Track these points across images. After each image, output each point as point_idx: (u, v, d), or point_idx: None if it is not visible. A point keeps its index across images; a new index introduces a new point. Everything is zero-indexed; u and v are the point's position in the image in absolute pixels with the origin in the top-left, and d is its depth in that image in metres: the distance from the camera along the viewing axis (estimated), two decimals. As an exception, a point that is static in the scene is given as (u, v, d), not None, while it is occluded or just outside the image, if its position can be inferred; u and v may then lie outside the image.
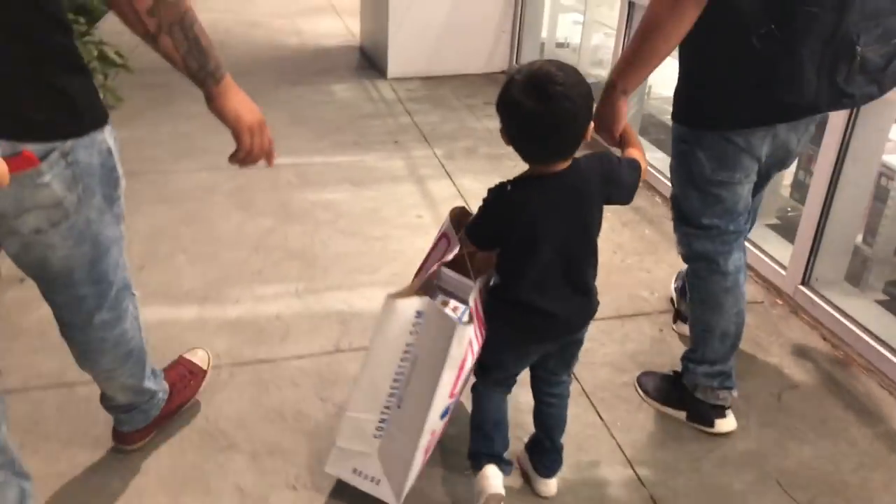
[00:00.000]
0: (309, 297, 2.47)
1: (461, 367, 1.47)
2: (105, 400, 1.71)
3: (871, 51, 1.49)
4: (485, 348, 1.54)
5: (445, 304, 1.53)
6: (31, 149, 1.11)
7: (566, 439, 1.73)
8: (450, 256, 1.54)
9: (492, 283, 1.55)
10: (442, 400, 1.49)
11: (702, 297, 1.84)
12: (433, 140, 3.86)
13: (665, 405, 1.97)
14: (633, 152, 1.56)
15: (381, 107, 4.40)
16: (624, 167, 1.50)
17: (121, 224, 1.41)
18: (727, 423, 1.90)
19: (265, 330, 2.29)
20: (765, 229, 2.92)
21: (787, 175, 3.00)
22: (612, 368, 2.16)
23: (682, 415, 1.94)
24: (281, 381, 2.08)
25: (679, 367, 1.97)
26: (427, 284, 1.57)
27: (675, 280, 2.47)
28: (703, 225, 1.75)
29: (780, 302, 2.51)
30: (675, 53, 1.63)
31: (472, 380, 1.69)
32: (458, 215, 1.65)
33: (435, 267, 1.56)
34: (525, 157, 1.41)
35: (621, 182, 1.49)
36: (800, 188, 2.94)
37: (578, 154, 1.43)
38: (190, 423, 1.91)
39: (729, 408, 1.90)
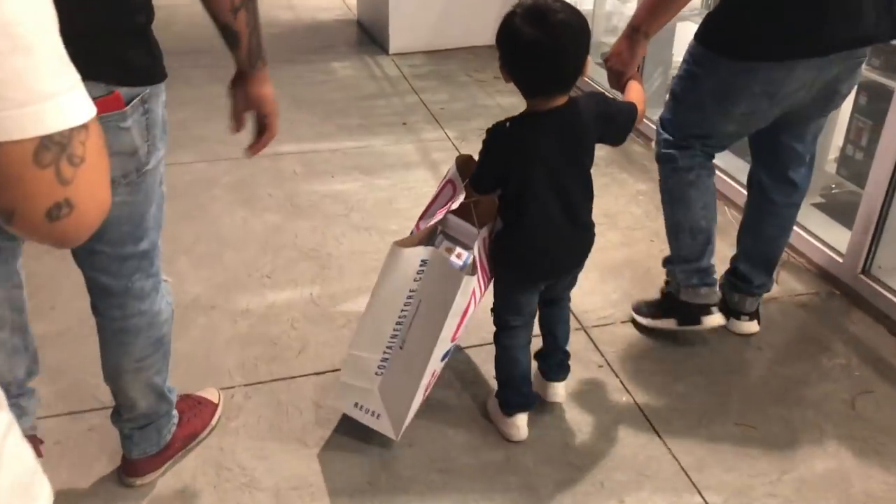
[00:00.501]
0: (325, 301, 2.26)
1: (464, 314, 1.54)
2: (123, 412, 1.57)
3: None
4: (497, 296, 1.64)
5: (450, 250, 1.59)
6: (120, 92, 1.16)
7: (621, 464, 1.57)
8: (455, 204, 1.56)
9: (495, 230, 1.59)
10: (444, 344, 1.56)
11: (669, 196, 1.92)
12: (444, 120, 3.62)
13: (655, 318, 2.05)
14: (634, 97, 1.60)
15: (385, 85, 4.15)
16: (619, 108, 1.53)
17: (164, 182, 1.40)
18: (714, 319, 1.96)
19: (279, 342, 2.08)
20: (809, 209, 2.71)
21: (833, 149, 2.79)
22: (665, 375, 1.97)
23: (672, 322, 2.01)
24: (301, 401, 1.88)
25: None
26: (432, 230, 1.62)
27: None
28: (681, 138, 1.80)
29: (837, 292, 2.31)
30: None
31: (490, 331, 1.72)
32: (465, 162, 1.67)
33: (441, 214, 1.59)
34: (525, 90, 1.43)
35: (615, 122, 1.52)
36: (848, 164, 2.73)
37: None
38: (204, 457, 1.71)
39: (714, 304, 1.95)
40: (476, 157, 1.58)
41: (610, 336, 2.12)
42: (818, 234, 2.47)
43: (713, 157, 1.87)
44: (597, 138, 1.51)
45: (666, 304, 2.02)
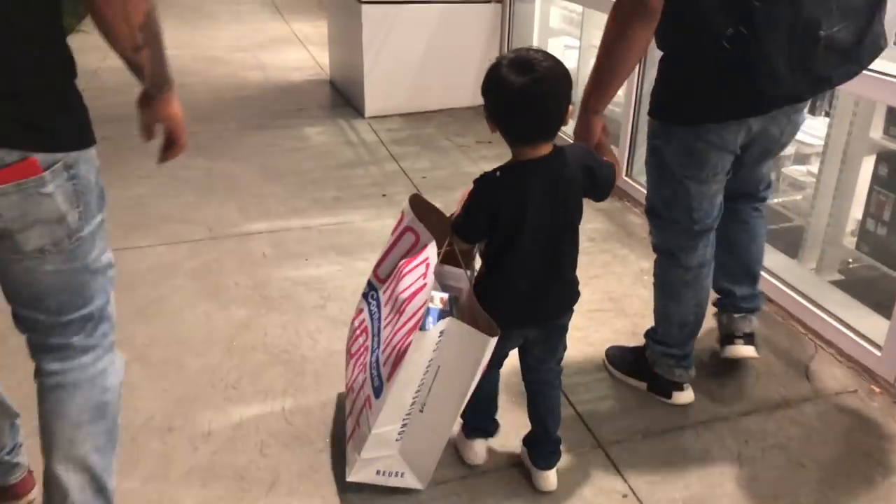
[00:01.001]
0: (299, 419, 1.95)
1: (483, 368, 1.54)
2: None
3: (839, 31, 1.52)
4: None
5: (432, 299, 1.54)
6: (36, 157, 1.12)
7: None
8: (432, 256, 1.55)
9: (476, 272, 1.62)
10: (465, 399, 1.58)
11: (662, 288, 1.93)
12: (427, 190, 3.37)
13: (628, 375, 2.07)
14: (608, 155, 1.67)
15: (361, 152, 3.91)
16: (601, 163, 1.55)
17: (109, 250, 1.34)
18: (685, 396, 1.99)
19: (247, 475, 1.76)
20: (828, 288, 2.49)
21: (850, 222, 2.58)
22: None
23: (643, 385, 2.04)
24: (272, 556, 1.56)
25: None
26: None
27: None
28: (668, 218, 1.83)
29: (878, 390, 2.07)
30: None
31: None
32: (420, 205, 1.66)
33: (426, 272, 1.55)
34: (512, 138, 1.46)
35: (601, 176, 1.53)
36: (868, 238, 2.52)
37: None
38: None
39: (687, 383, 1.99)
40: (422, 194, 1.63)
41: (631, 455, 1.84)
42: (844, 318, 2.24)
43: (713, 247, 1.88)
44: (584, 191, 1.52)
45: (640, 366, 2.04)
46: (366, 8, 4.23)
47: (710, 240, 1.86)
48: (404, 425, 1.59)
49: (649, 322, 2.03)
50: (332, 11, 5.19)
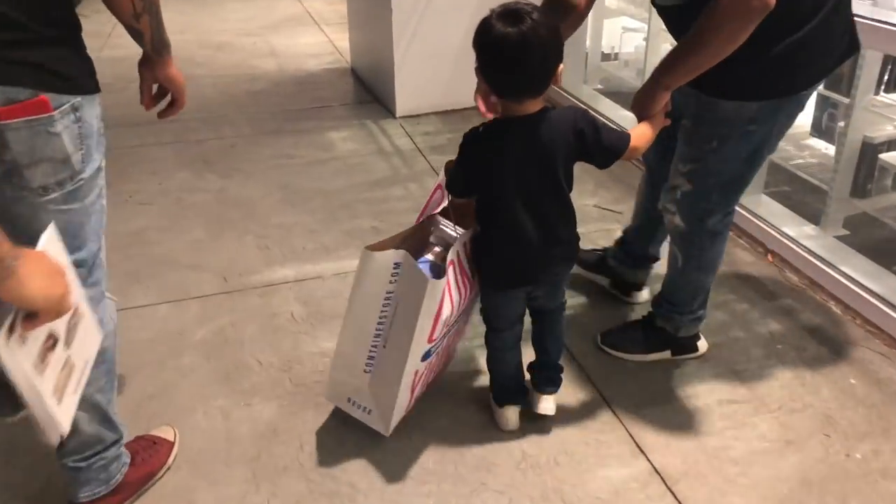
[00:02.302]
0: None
1: (436, 316, 1.56)
2: (67, 441, 1.42)
3: None
4: (481, 298, 1.72)
5: (437, 253, 1.69)
6: (47, 96, 1.18)
7: None
8: (438, 209, 1.72)
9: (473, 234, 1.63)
10: (420, 345, 1.59)
11: (702, 264, 1.88)
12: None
13: (650, 353, 2.03)
14: (638, 128, 1.56)
15: (397, 164, 3.35)
16: (606, 129, 1.50)
17: (104, 196, 1.38)
18: (704, 343, 2.05)
19: None
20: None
21: None
22: None
23: (666, 353, 2.02)
24: None
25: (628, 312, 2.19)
26: (421, 234, 1.74)
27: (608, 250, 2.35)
28: (721, 202, 1.77)
29: None
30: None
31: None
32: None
33: (419, 219, 1.75)
34: (496, 90, 1.44)
35: (594, 140, 1.48)
36: None
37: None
38: None
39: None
40: None
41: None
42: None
43: None
44: (575, 155, 1.50)
45: (656, 338, 2.03)
46: (397, -9, 3.63)
47: None
48: (371, 357, 1.65)
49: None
50: (354, -9, 4.58)
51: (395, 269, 1.55)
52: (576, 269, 2.18)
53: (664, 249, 2.08)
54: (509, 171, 1.46)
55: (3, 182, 1.20)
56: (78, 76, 1.24)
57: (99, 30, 4.62)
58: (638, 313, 2.19)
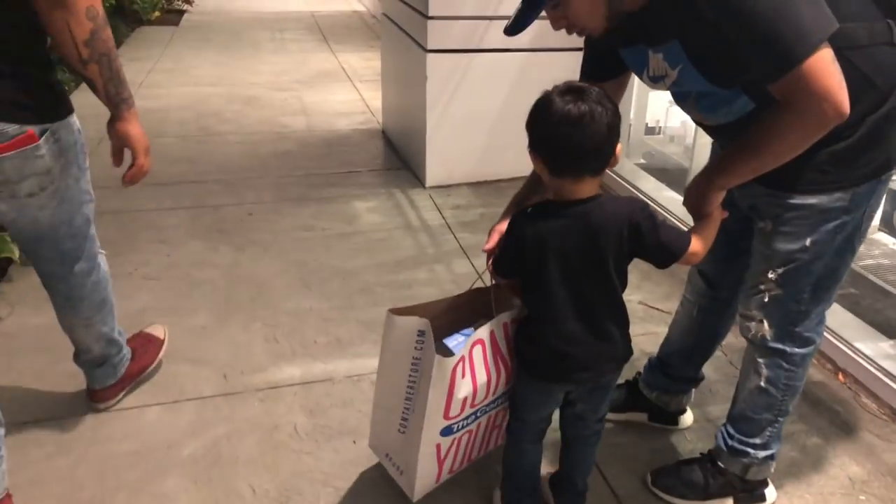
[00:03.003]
0: None
1: (448, 395, 1.50)
2: (81, 355, 1.97)
3: None
4: (516, 383, 1.60)
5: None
6: (33, 129, 1.50)
7: None
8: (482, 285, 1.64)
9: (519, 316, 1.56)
10: (434, 421, 1.53)
11: (790, 383, 1.63)
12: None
13: (709, 499, 1.74)
14: (698, 230, 1.45)
15: (423, 241, 3.11)
16: (665, 227, 1.40)
17: (90, 189, 1.75)
18: (773, 490, 1.77)
19: None
20: None
21: None
22: None
23: (728, 502, 1.75)
24: None
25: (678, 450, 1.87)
26: (476, 303, 1.64)
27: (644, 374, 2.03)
28: (822, 304, 1.57)
29: None
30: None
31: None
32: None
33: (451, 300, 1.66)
34: (552, 167, 1.36)
35: (651, 237, 1.38)
36: None
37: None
38: None
39: None
40: None
41: None
42: None
43: None
44: (629, 250, 1.39)
45: (722, 482, 1.74)
46: (432, 58, 3.44)
47: None
48: (404, 418, 1.61)
49: None
50: (388, 49, 4.42)
51: (419, 336, 1.50)
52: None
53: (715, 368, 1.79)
54: (556, 257, 1.39)
55: None
56: (54, 106, 1.56)
57: (132, 79, 4.54)
58: (691, 442, 1.89)
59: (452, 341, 1.61)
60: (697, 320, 1.87)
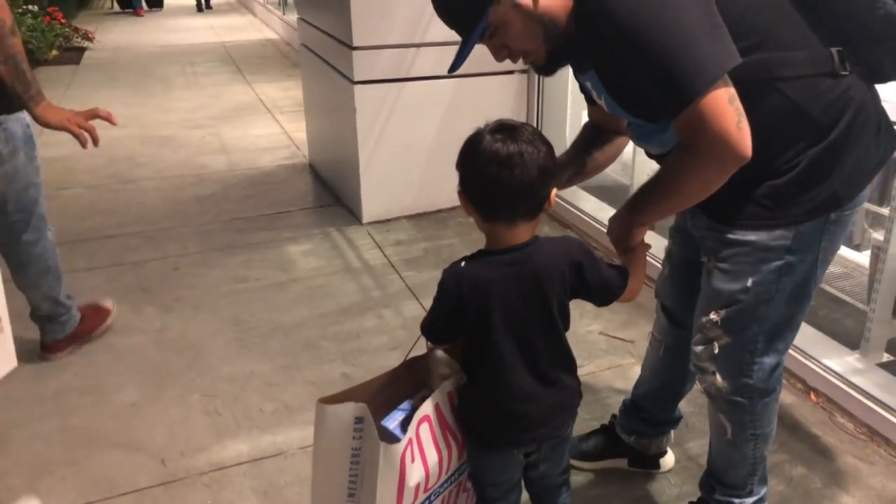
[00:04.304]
0: None
1: (399, 484, 1.32)
2: (34, 311, 2.36)
3: None
4: (469, 461, 1.45)
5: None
6: None
7: None
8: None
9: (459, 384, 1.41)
10: None
11: (758, 432, 1.53)
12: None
13: None
14: (628, 266, 1.39)
15: (367, 283, 2.94)
16: (604, 264, 1.35)
17: (39, 176, 2.17)
18: None
19: None
20: None
21: None
22: None
23: None
24: None
25: None
26: (412, 376, 1.48)
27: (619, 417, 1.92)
28: (769, 351, 1.44)
29: None
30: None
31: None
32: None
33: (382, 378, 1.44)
34: (486, 216, 1.28)
35: (593, 276, 1.33)
36: None
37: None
38: None
39: None
40: None
41: None
42: None
43: None
44: (571, 291, 1.32)
45: None
46: (360, 89, 3.29)
47: None
48: None
49: None
50: (310, 80, 4.25)
51: (357, 423, 1.33)
52: (579, 464, 1.88)
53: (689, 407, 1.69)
54: (499, 309, 1.28)
55: None
56: (5, 104, 1.96)
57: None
58: (676, 486, 1.79)
59: (392, 421, 1.40)
60: (665, 360, 1.76)
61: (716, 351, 1.45)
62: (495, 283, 1.28)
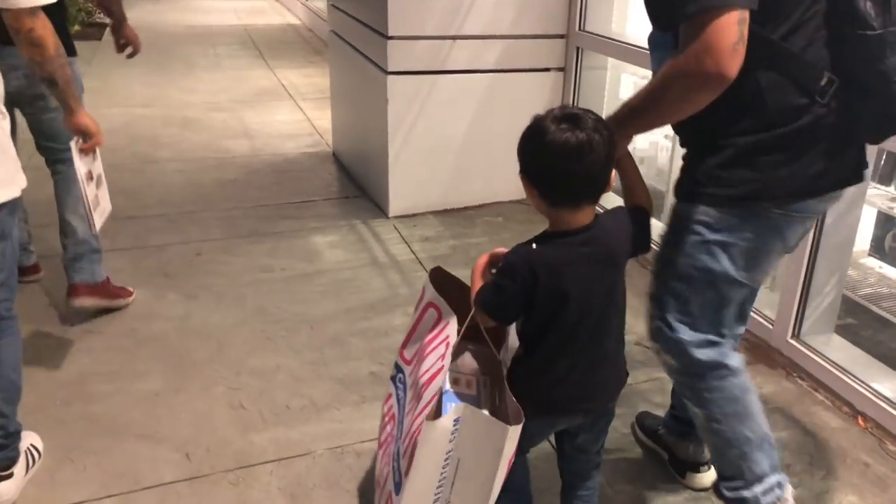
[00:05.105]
0: None
1: (511, 458, 1.35)
2: (67, 237, 2.43)
3: None
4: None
5: (457, 381, 1.47)
6: None
7: None
8: (452, 334, 1.35)
9: (513, 357, 1.43)
10: (496, 494, 1.35)
11: (725, 411, 1.52)
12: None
13: None
14: (637, 192, 1.45)
15: (394, 279, 2.87)
16: (644, 214, 1.42)
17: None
18: None
19: None
20: None
21: None
22: None
23: None
24: None
25: None
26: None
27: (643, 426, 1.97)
28: (709, 327, 1.48)
29: None
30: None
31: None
32: (441, 280, 1.48)
33: (442, 344, 1.37)
34: (552, 198, 1.30)
35: (646, 236, 1.41)
36: None
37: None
38: None
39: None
40: (445, 268, 1.52)
41: None
42: None
43: None
44: (634, 250, 1.38)
45: None
46: (394, 80, 3.21)
47: None
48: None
49: None
50: (338, 68, 4.17)
51: (454, 426, 1.30)
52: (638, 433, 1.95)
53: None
54: (575, 289, 1.31)
55: None
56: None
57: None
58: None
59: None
60: None
61: (652, 327, 1.51)
62: (571, 265, 1.30)
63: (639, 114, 1.34)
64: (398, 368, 1.57)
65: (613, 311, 1.39)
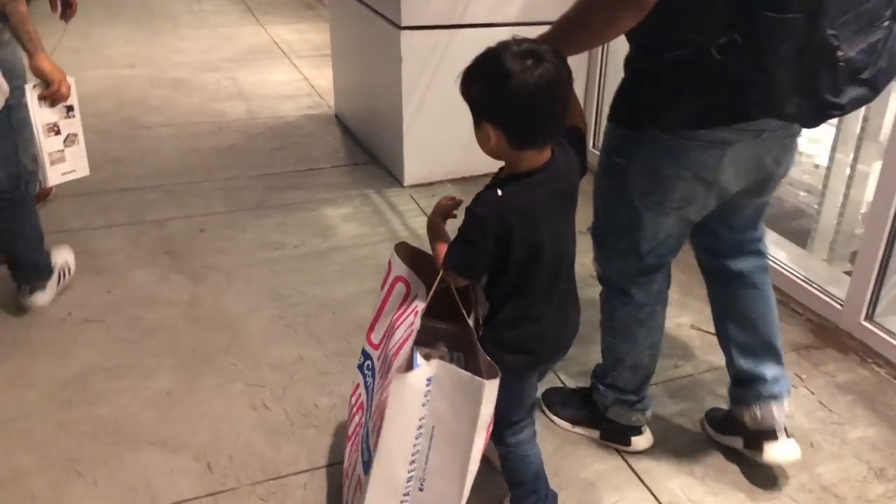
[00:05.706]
0: None
1: (489, 426, 1.30)
2: None
3: (853, 49, 1.22)
4: (502, 390, 1.29)
5: (429, 357, 1.31)
6: None
7: None
8: (421, 304, 1.33)
9: (482, 314, 1.38)
10: (475, 467, 1.29)
11: (613, 326, 1.71)
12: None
13: (577, 425, 1.83)
14: (572, 113, 1.32)
15: (417, 255, 2.64)
16: (581, 136, 1.41)
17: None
18: (644, 440, 1.78)
19: None
20: None
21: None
22: None
23: (595, 434, 1.81)
24: None
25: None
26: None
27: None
28: (619, 249, 1.60)
29: None
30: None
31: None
32: (409, 253, 1.46)
33: (411, 315, 1.33)
34: (519, 142, 1.22)
35: (585, 157, 1.41)
36: None
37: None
38: None
39: (644, 425, 1.77)
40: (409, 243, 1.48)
41: None
42: None
43: (669, 284, 1.69)
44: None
45: (591, 414, 1.80)
46: (408, 36, 2.95)
47: (667, 273, 1.66)
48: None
49: None
50: (341, 24, 3.87)
51: (427, 386, 1.24)
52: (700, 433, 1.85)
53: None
54: (548, 232, 1.27)
55: None
56: None
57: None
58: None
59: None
60: (721, 298, 1.75)
61: (593, 229, 1.63)
62: (541, 206, 1.25)
63: (567, 35, 1.33)
64: (366, 355, 1.51)
65: (573, 245, 1.37)
